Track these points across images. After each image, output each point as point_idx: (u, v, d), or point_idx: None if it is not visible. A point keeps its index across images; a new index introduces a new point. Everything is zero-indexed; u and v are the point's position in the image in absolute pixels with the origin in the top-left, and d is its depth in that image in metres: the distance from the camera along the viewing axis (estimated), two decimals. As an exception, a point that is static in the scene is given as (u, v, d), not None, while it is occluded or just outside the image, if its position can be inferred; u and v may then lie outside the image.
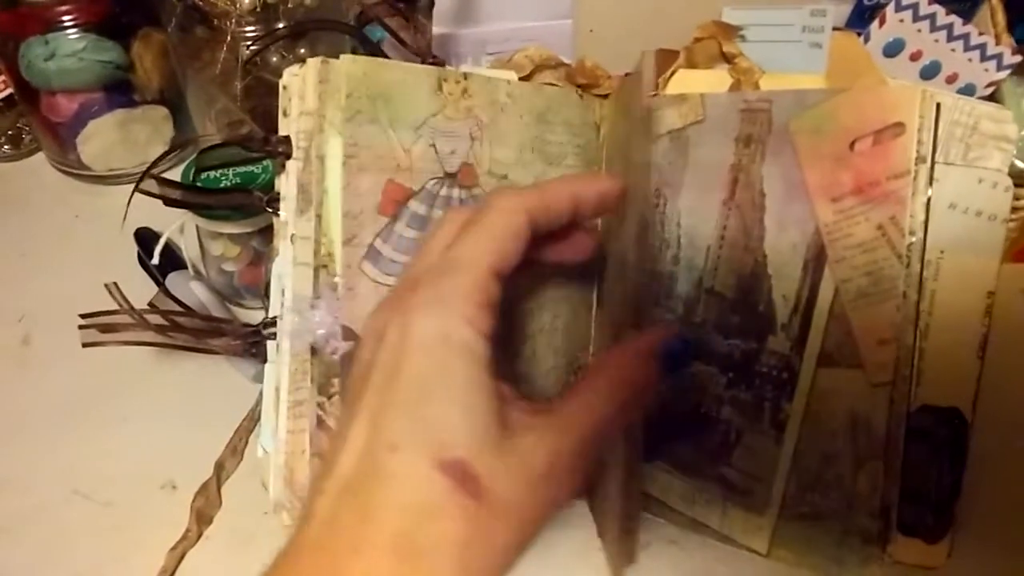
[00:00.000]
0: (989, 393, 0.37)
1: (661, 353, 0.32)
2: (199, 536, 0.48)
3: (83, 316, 0.43)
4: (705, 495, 0.42)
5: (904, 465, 0.37)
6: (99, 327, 0.46)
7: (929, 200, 0.35)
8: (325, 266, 0.40)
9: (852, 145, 0.36)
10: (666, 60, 0.49)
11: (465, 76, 0.42)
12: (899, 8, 0.50)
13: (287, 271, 0.40)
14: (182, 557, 0.47)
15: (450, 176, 0.43)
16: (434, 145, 0.42)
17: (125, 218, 0.43)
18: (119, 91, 0.69)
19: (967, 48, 0.49)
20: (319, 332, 0.40)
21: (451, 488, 0.25)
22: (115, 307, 0.43)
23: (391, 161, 0.41)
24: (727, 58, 0.48)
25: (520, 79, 0.49)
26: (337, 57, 0.39)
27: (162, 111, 0.73)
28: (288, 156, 0.39)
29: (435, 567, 0.25)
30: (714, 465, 0.42)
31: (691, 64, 0.49)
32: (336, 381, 0.41)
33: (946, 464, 0.37)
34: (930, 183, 0.35)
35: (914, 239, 0.35)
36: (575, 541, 0.46)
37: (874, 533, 0.36)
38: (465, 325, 0.28)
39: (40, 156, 0.76)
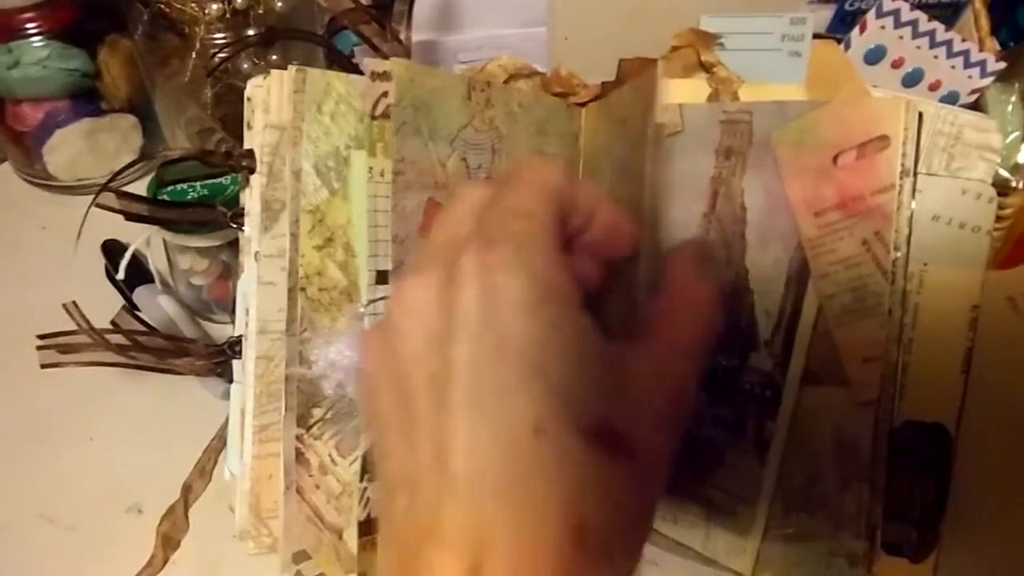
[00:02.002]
0: (974, 408, 0.36)
1: (702, 256, 0.30)
2: (165, 561, 0.47)
3: (41, 337, 0.41)
4: (688, 515, 0.41)
5: (888, 482, 0.36)
6: (58, 348, 0.44)
7: (912, 212, 0.34)
8: (303, 289, 0.38)
9: (835, 159, 0.35)
10: (640, 67, 0.48)
11: (488, 84, 0.40)
12: (880, 14, 0.49)
13: (251, 290, 0.39)
14: (148, 584, 0.46)
15: (476, 192, 0.41)
16: (465, 159, 0.40)
17: (80, 235, 0.41)
18: (86, 99, 0.68)
19: (950, 55, 0.49)
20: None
21: (606, 457, 0.23)
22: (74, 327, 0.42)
23: (431, 177, 0.38)
24: (705, 67, 0.47)
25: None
26: (309, 64, 0.38)
27: (130, 120, 0.71)
28: (252, 170, 0.38)
29: (615, 551, 0.23)
30: (697, 485, 0.40)
31: (668, 73, 0.48)
32: (317, 412, 0.40)
33: (930, 481, 0.36)
34: (913, 195, 0.34)
35: (899, 254, 0.34)
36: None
37: (860, 555, 0.35)
38: (559, 272, 0.24)
39: (6, 166, 0.74)
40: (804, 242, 0.36)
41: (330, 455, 0.39)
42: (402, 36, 0.46)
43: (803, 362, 0.36)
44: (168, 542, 0.47)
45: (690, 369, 0.27)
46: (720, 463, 0.39)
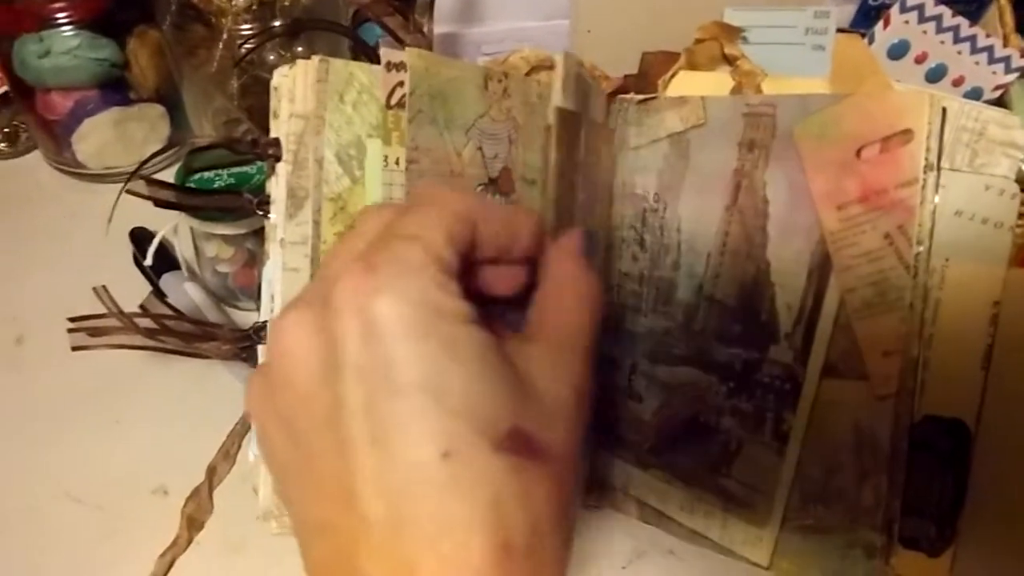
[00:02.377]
0: (994, 404, 0.36)
1: (584, 247, 0.29)
2: (189, 542, 0.48)
3: (71, 320, 0.42)
4: (705, 505, 0.41)
5: (907, 477, 0.36)
6: (88, 331, 0.45)
7: (935, 207, 0.34)
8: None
9: (859, 152, 0.35)
10: (666, 62, 0.48)
11: (506, 75, 0.41)
12: (904, 9, 0.49)
13: (276, 276, 0.39)
14: (172, 563, 0.47)
15: (492, 182, 0.41)
16: (481, 148, 0.40)
17: (111, 220, 0.42)
18: (114, 89, 0.69)
19: (974, 50, 0.48)
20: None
21: (520, 463, 0.23)
22: (105, 310, 0.43)
23: (446, 166, 0.39)
24: (729, 60, 0.47)
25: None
26: (335, 55, 0.39)
27: (158, 109, 0.72)
28: (278, 159, 0.38)
29: (544, 555, 0.23)
30: (714, 476, 0.41)
31: (692, 66, 0.48)
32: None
33: (949, 476, 0.36)
34: (936, 190, 0.34)
35: (921, 248, 0.34)
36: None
37: (878, 547, 0.35)
38: (444, 292, 0.24)
39: (36, 154, 0.75)
40: (826, 235, 0.36)
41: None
42: (425, 28, 0.47)
43: (823, 355, 0.36)
44: (193, 523, 0.48)
45: (578, 361, 0.27)
46: (738, 454, 0.40)
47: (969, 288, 0.35)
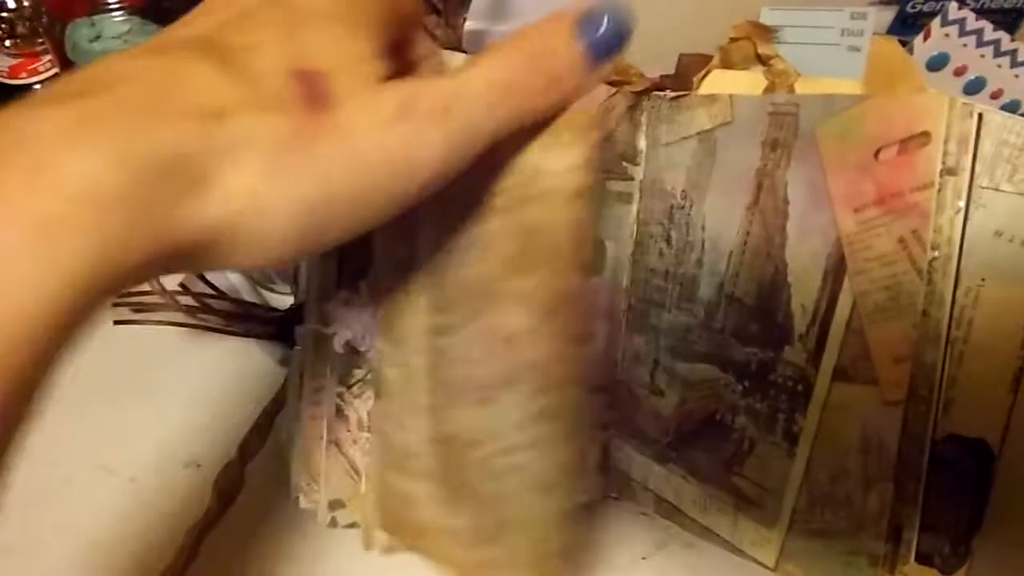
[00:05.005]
0: (1019, 427, 0.35)
1: (584, 25, 0.29)
2: (220, 515, 0.49)
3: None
4: (718, 503, 0.42)
5: (926, 493, 0.35)
6: (131, 306, 0.47)
7: (965, 221, 0.33)
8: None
9: (877, 154, 0.35)
10: (702, 64, 0.48)
11: None
12: (945, 22, 0.48)
13: (313, 260, 0.41)
14: (202, 535, 0.48)
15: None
16: None
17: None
18: (163, 74, 0.71)
19: (1014, 64, 0.48)
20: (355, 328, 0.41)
21: (297, 93, 0.24)
22: (147, 287, 0.44)
23: None
24: (762, 60, 0.47)
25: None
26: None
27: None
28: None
29: (249, 158, 0.23)
30: (727, 474, 0.41)
31: (726, 64, 0.48)
32: (358, 372, 0.42)
33: (968, 495, 0.36)
34: (966, 201, 0.33)
35: (937, 254, 0.34)
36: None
37: (881, 556, 0.35)
38: None
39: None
40: (842, 237, 0.36)
41: (368, 413, 0.42)
42: (458, 25, 0.48)
43: (835, 358, 0.36)
44: (223, 496, 0.49)
45: (463, 103, 0.27)
46: (750, 453, 0.40)
47: (1004, 309, 0.34)
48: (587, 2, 0.29)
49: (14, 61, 0.72)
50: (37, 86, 0.72)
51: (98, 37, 0.65)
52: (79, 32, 0.65)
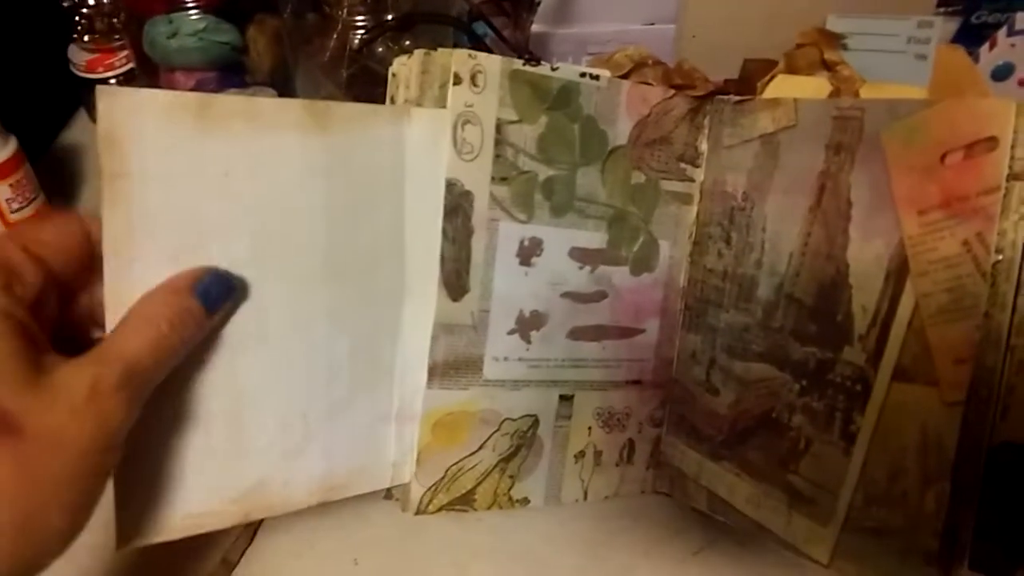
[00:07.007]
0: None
1: (198, 289, 0.33)
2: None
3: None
4: (771, 501, 0.42)
5: (981, 499, 0.36)
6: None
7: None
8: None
9: (943, 158, 0.35)
10: (767, 69, 0.49)
11: None
12: (1011, 33, 0.49)
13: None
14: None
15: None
16: None
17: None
18: (232, 71, 0.72)
19: (1078, 74, 0.48)
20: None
21: None
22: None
23: None
24: (828, 65, 0.48)
25: (618, 77, 0.49)
26: (436, 49, 0.41)
27: (271, 93, 0.76)
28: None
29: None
30: (782, 472, 0.41)
31: (792, 70, 0.49)
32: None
33: (1021, 503, 0.36)
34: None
35: (1001, 258, 0.34)
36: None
37: (936, 554, 0.36)
38: None
39: (158, 130, 0.80)
40: (905, 239, 0.36)
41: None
42: (525, 27, 0.49)
43: (895, 359, 0.37)
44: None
45: (131, 372, 0.30)
46: (806, 452, 0.40)
47: None
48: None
49: (91, 56, 0.75)
50: (112, 81, 0.75)
51: (175, 34, 0.67)
52: (156, 29, 0.67)
